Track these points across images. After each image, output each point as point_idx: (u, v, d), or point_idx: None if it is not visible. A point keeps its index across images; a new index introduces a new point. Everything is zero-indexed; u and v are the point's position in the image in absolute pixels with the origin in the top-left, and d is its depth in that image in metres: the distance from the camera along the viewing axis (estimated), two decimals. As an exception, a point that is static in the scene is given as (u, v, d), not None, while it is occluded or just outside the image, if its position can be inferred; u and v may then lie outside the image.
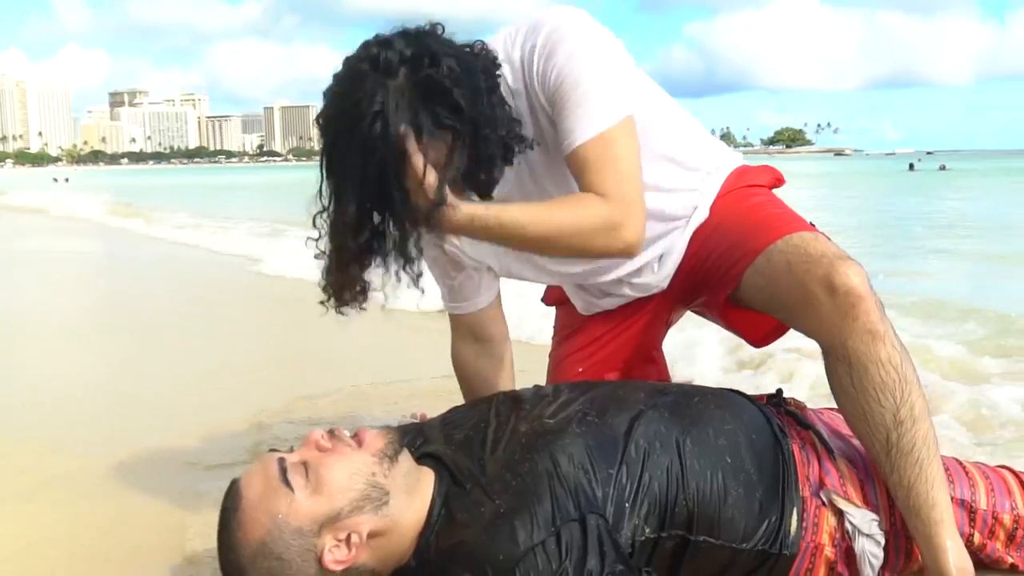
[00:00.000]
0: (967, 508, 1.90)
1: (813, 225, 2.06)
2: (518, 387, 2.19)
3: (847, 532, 1.86)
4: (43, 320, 5.92)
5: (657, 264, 2.17)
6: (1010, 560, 1.93)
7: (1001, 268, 8.53)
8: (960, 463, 2.01)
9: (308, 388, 3.78)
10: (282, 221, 13.84)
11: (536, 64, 1.85)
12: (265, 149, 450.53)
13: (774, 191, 2.24)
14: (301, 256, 1.93)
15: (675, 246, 2.15)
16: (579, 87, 1.81)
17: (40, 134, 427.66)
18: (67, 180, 66.01)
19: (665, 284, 2.21)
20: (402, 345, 4.58)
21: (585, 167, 1.82)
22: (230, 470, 2.05)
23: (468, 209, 1.75)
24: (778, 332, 2.14)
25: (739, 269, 2.00)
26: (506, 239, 1.82)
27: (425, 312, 3.72)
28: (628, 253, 1.87)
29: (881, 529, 1.87)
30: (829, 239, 1.97)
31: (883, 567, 1.87)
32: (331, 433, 1.77)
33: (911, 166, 66.08)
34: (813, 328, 1.88)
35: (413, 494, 1.76)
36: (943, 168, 60.46)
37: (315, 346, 4.65)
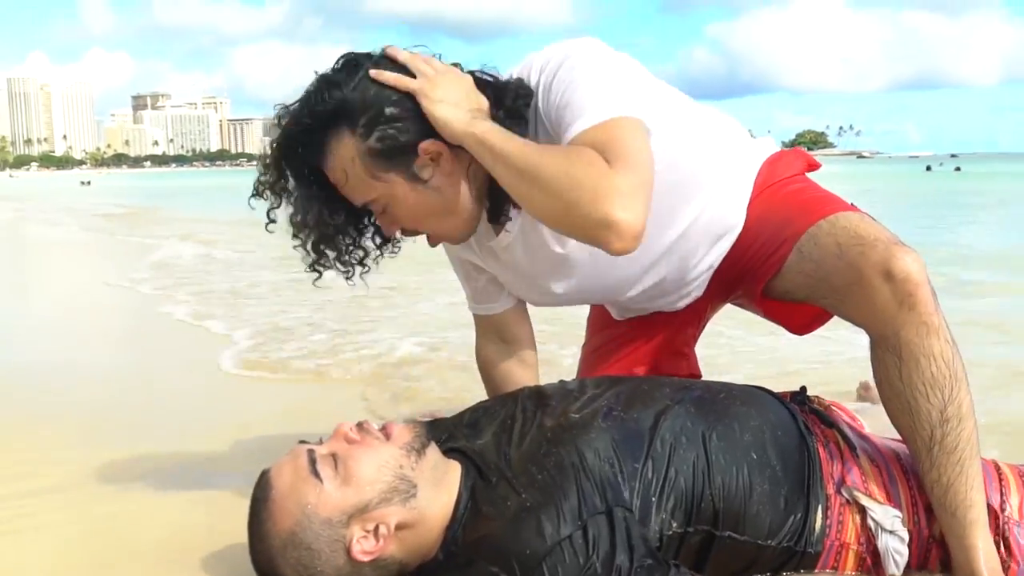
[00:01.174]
0: (993, 514, 1.86)
1: (855, 207, 1.99)
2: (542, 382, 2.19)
3: (871, 530, 1.85)
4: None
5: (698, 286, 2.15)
6: None
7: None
8: (996, 466, 1.97)
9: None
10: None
11: (542, 81, 1.82)
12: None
13: (809, 175, 2.16)
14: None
15: (715, 261, 2.10)
16: (581, 88, 1.75)
17: (64, 137, 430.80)
18: (88, 183, 66.17)
19: (701, 292, 2.17)
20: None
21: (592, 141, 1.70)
22: (251, 466, 2.06)
23: (481, 128, 1.75)
24: (821, 319, 2.07)
25: (781, 255, 1.94)
26: (491, 161, 1.74)
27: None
28: (618, 241, 1.63)
29: (904, 526, 1.85)
30: (876, 221, 1.90)
31: (907, 566, 1.86)
32: (360, 426, 1.79)
33: (928, 168, 68.82)
34: (864, 315, 1.79)
35: (440, 487, 1.77)
36: (958, 169, 62.20)
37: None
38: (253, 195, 1.90)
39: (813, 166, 2.20)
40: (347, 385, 3.86)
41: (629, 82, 1.81)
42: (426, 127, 1.78)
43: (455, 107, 1.76)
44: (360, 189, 1.82)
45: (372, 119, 1.77)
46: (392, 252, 2.04)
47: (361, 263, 1.99)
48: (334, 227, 1.89)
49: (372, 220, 1.97)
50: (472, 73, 1.87)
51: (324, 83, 1.80)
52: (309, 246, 1.90)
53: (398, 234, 1.96)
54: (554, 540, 1.63)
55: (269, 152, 1.87)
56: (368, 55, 1.83)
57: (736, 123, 2.15)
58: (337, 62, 1.83)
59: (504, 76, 1.89)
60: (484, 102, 1.82)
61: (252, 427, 3.18)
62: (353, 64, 1.81)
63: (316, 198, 1.85)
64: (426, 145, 1.79)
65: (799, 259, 1.91)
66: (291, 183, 1.87)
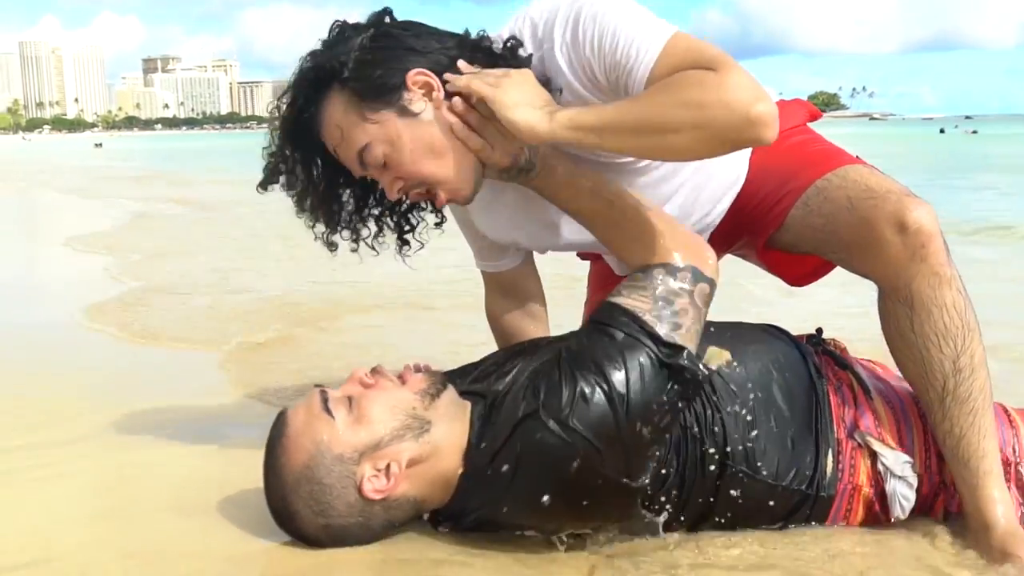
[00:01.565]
0: (1004, 462, 1.87)
1: (861, 159, 1.99)
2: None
3: (879, 473, 1.86)
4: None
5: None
6: None
7: None
8: (1007, 412, 1.98)
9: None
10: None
11: (557, 36, 1.77)
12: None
13: (811, 125, 2.16)
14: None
15: (719, 215, 2.10)
16: (622, 27, 1.70)
17: (76, 100, 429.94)
18: (100, 145, 66.12)
19: None
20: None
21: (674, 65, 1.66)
22: (265, 418, 2.11)
23: (566, 116, 1.68)
24: (821, 271, 2.07)
25: (783, 207, 1.94)
26: (600, 140, 1.69)
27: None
28: (768, 130, 1.61)
29: (914, 472, 1.86)
30: (885, 174, 1.89)
31: (913, 510, 1.88)
32: (374, 370, 1.83)
33: (942, 130, 67.11)
34: (876, 268, 1.79)
35: (454, 422, 1.79)
36: (974, 132, 60.21)
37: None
38: (266, 181, 1.91)
39: (815, 115, 2.19)
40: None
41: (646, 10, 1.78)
42: (412, 61, 1.76)
43: (531, 108, 1.70)
44: (354, 136, 1.76)
45: (356, 68, 1.74)
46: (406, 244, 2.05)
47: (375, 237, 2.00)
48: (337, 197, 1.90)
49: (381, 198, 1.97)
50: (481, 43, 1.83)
51: (309, 57, 1.81)
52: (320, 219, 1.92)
53: (402, 195, 1.85)
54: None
55: (273, 137, 1.87)
56: (355, 25, 1.82)
57: None
58: (329, 31, 1.83)
59: (498, 35, 1.85)
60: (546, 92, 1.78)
61: (266, 380, 3.21)
62: (337, 31, 1.81)
63: (323, 174, 1.86)
64: (413, 76, 1.75)
65: (805, 213, 1.90)
66: (299, 165, 1.85)
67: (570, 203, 1.88)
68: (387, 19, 1.81)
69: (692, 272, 1.77)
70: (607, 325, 1.74)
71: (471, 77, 1.75)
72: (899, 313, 1.79)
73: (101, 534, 1.96)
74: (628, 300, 1.76)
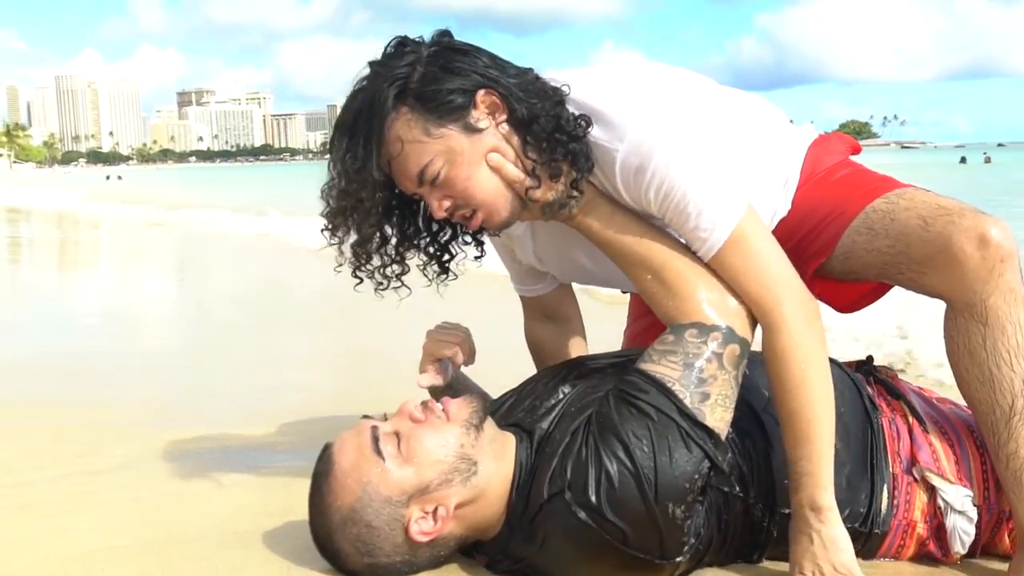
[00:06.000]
0: None
1: (911, 184, 1.95)
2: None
3: (939, 508, 1.83)
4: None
5: None
6: None
7: None
8: None
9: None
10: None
11: (627, 178, 1.76)
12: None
13: (853, 158, 2.12)
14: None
15: None
16: (688, 196, 1.73)
17: (111, 134, 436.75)
18: (120, 178, 67.39)
19: None
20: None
21: (732, 272, 1.77)
22: (305, 446, 2.08)
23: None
24: (872, 297, 2.02)
25: (830, 236, 1.91)
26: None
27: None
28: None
29: (974, 505, 1.83)
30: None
31: (972, 545, 1.84)
32: (424, 404, 1.79)
33: (963, 159, 66.89)
34: (952, 284, 1.75)
35: (500, 459, 1.78)
36: (988, 161, 60.05)
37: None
38: (326, 227, 1.82)
39: (856, 149, 2.16)
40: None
41: (714, 157, 1.78)
42: (480, 81, 1.73)
43: None
44: (416, 152, 1.71)
45: (423, 82, 1.71)
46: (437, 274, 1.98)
47: (399, 274, 1.92)
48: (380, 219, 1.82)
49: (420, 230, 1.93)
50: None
51: (369, 69, 1.76)
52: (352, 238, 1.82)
53: (448, 214, 1.79)
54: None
55: (332, 160, 1.78)
56: (418, 40, 1.78)
57: (778, 111, 2.11)
58: (387, 46, 1.78)
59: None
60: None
61: (305, 408, 3.21)
62: (397, 44, 1.76)
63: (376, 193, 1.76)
64: (483, 95, 1.73)
65: (870, 237, 1.86)
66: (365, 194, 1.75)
67: (609, 246, 1.85)
68: (447, 39, 1.78)
69: (724, 333, 1.74)
70: (635, 397, 1.70)
71: None
72: (971, 330, 1.76)
73: (141, 564, 1.95)
74: (657, 367, 1.72)
